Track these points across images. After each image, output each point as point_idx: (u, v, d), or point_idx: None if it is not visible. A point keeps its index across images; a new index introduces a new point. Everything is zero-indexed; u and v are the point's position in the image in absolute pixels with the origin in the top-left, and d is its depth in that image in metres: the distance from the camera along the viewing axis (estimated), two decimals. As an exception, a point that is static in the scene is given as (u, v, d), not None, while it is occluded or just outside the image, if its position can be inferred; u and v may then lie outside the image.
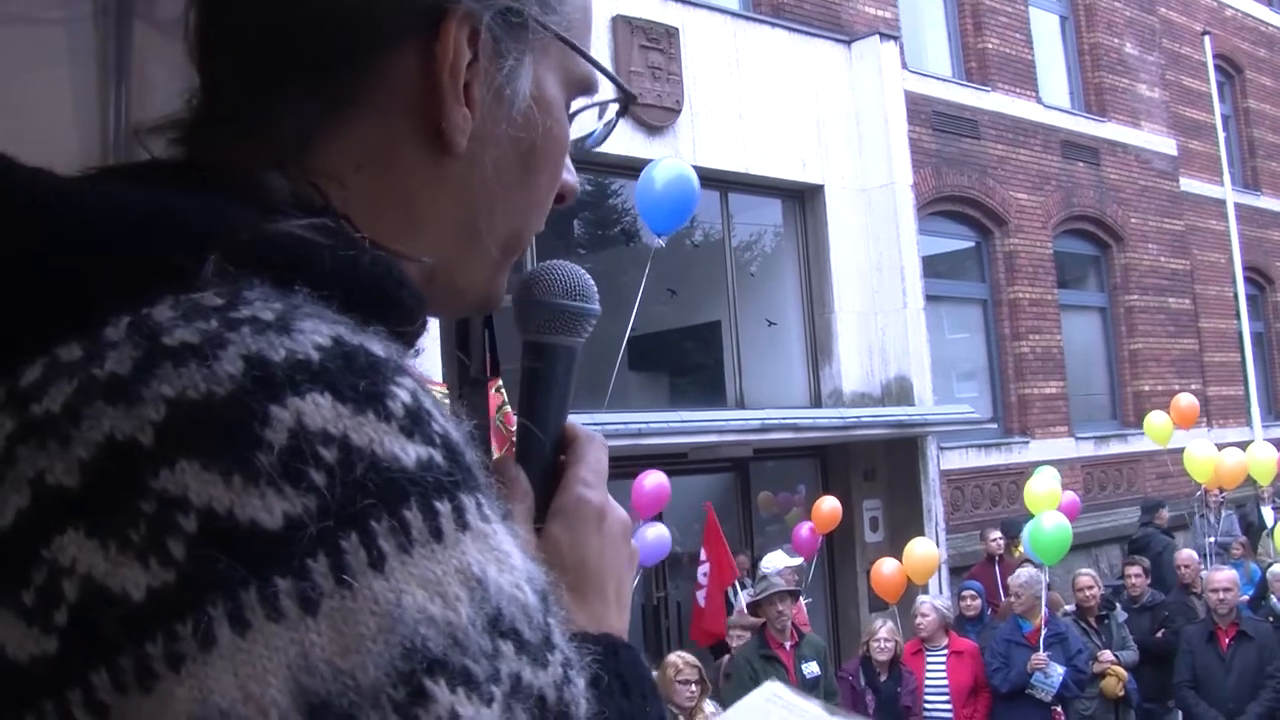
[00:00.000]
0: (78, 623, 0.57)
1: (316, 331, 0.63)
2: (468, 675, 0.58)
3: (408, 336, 0.74)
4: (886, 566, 10.99)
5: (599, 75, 0.92)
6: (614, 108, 1.02)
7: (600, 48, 11.78)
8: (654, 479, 9.95)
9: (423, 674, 0.57)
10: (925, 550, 11.35)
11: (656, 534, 9.80)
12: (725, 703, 8.98)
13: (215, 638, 0.55)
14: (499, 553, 0.63)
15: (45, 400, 0.61)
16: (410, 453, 0.61)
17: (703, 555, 10.77)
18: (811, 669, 9.04)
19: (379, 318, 0.69)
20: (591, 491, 0.92)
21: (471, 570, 0.61)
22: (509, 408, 8.87)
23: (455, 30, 0.79)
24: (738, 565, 12.17)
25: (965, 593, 11.58)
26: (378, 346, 0.65)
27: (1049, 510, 10.60)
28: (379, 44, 0.79)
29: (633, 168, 9.59)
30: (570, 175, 0.93)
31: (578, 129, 0.96)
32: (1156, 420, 14.48)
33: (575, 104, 0.93)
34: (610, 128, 1.04)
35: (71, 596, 0.57)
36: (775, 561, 10.45)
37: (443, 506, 0.61)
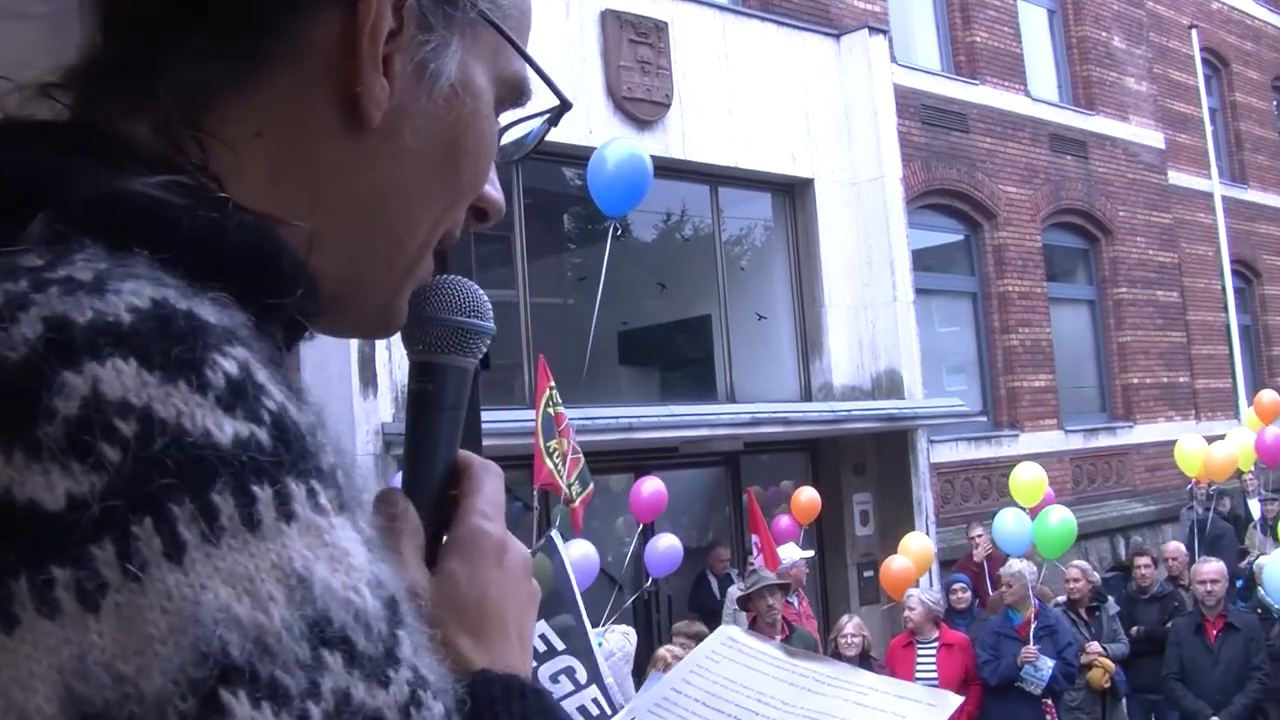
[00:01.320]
0: None
1: (136, 293, 0.56)
2: (275, 687, 0.51)
3: (287, 309, 0.67)
4: (896, 563, 11.03)
5: (531, 82, 0.85)
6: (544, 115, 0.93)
7: (589, 42, 11.79)
8: (651, 485, 9.91)
9: (217, 682, 0.50)
10: (921, 544, 11.38)
11: (668, 544, 9.76)
12: None
13: None
14: (334, 550, 0.56)
15: None
16: (226, 429, 0.54)
17: (755, 540, 10.74)
18: None
19: (249, 287, 0.63)
20: (490, 524, 0.83)
21: (293, 566, 0.54)
22: (560, 405, 8.60)
23: None
24: (722, 554, 12.22)
25: (954, 585, 11.60)
26: (209, 312, 0.58)
27: (1035, 502, 10.66)
28: (301, 3, 0.72)
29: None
30: (495, 190, 0.85)
31: (511, 137, 0.91)
32: (1252, 412, 14.69)
33: (506, 117, 0.86)
34: (544, 132, 0.95)
35: None
36: (789, 554, 10.49)
37: (261, 492, 0.54)
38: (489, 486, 0.86)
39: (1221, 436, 13.87)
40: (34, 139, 0.67)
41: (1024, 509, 11.08)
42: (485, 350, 0.91)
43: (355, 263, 0.77)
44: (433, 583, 0.79)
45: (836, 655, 9.45)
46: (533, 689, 0.77)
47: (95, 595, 0.50)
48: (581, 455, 8.32)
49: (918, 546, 11.25)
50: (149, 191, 0.63)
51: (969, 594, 11.43)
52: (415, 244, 0.80)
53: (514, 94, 0.84)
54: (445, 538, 0.84)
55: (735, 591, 11.19)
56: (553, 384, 8.27)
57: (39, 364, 0.53)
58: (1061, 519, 10.31)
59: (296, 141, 0.73)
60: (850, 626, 9.46)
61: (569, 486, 8.21)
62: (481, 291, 0.92)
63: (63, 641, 0.49)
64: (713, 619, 11.72)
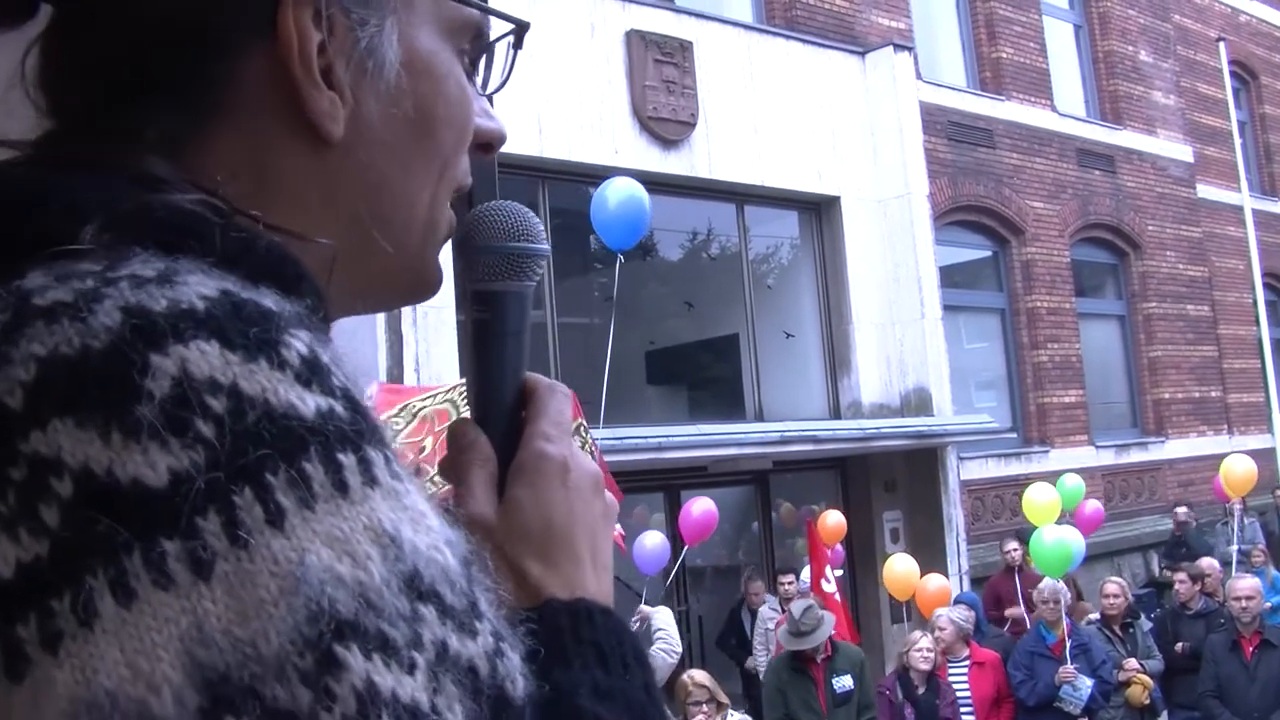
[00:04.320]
0: None
1: (202, 284, 0.58)
2: (384, 640, 0.53)
3: None
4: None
5: (487, 17, 0.85)
6: (508, 42, 0.91)
7: (614, 62, 11.82)
8: (702, 505, 9.94)
9: (332, 639, 0.52)
10: (905, 566, 11.25)
11: (655, 542, 9.75)
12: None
13: (97, 611, 0.51)
14: (413, 512, 0.58)
15: None
16: (309, 402, 0.57)
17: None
18: (843, 683, 8.83)
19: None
20: (553, 446, 0.84)
21: (383, 527, 0.56)
22: (592, 441, 8.78)
23: (294, 15, 0.72)
24: (758, 588, 12.13)
25: (958, 605, 11.46)
26: (269, 301, 0.60)
27: (1049, 523, 10.61)
28: (223, 51, 0.72)
29: (648, 181, 9.60)
30: (491, 121, 0.86)
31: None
32: None
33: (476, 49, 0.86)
34: (510, 65, 0.91)
35: None
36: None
37: (346, 459, 0.57)
38: (553, 408, 0.86)
39: (1266, 450, 13.78)
40: (74, 162, 0.68)
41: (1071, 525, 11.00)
42: (540, 271, 0.91)
43: (370, 258, 0.78)
44: (499, 511, 0.81)
45: (904, 672, 9.36)
46: (600, 609, 0.79)
47: (207, 564, 0.52)
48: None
49: (901, 569, 11.16)
50: (188, 205, 0.65)
51: (972, 613, 11.26)
52: (421, 217, 0.81)
53: (471, 33, 0.84)
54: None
55: (767, 612, 11.13)
56: (581, 420, 8.30)
57: (125, 349, 0.55)
58: (1056, 539, 10.25)
59: (271, 174, 0.73)
60: (925, 641, 9.37)
61: None
62: (529, 212, 0.91)
63: (180, 611, 0.51)
64: (741, 651, 11.62)
